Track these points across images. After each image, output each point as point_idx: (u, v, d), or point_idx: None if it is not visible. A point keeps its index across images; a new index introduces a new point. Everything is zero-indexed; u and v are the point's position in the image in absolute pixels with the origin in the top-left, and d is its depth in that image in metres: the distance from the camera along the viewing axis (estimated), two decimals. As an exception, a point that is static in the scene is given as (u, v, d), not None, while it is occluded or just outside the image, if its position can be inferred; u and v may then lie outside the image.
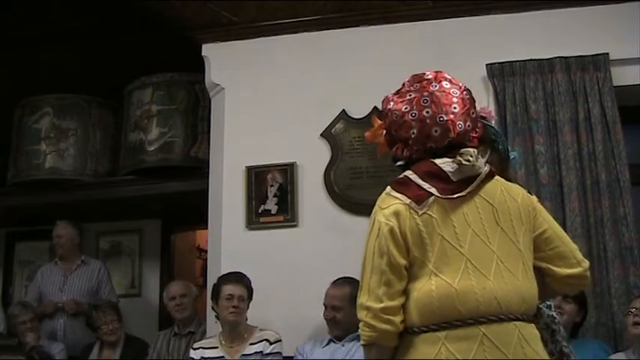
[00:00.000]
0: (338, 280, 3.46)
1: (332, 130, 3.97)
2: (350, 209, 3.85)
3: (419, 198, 1.78)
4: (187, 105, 4.68)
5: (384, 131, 1.93)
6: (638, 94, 3.74)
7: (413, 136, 1.84)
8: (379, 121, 1.96)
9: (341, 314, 3.38)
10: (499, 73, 3.74)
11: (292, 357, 3.52)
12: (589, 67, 3.65)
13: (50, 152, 4.89)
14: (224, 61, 4.19)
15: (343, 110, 3.97)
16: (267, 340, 3.44)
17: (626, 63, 3.66)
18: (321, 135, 3.97)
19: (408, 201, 1.78)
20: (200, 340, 3.74)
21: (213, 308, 3.58)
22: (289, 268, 3.80)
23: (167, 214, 5.51)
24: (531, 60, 3.72)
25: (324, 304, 3.43)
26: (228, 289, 3.47)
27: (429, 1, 3.89)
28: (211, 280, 3.73)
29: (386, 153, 1.97)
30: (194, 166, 4.58)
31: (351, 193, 3.87)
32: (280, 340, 3.49)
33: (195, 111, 4.69)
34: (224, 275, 3.59)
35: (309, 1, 3.90)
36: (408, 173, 1.84)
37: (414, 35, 3.95)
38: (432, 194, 1.78)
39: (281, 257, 3.84)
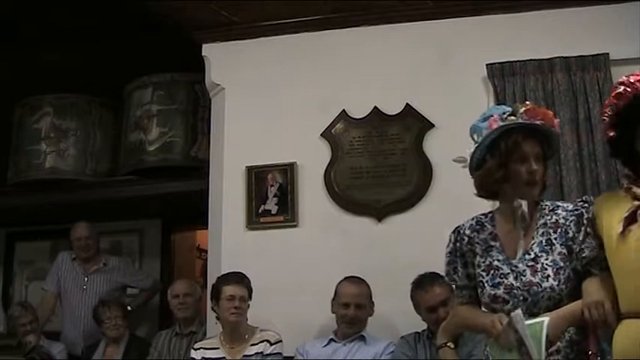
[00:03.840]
0: (351, 278, 3.46)
1: (332, 130, 3.96)
2: (350, 209, 3.85)
3: None
4: (187, 105, 4.68)
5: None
6: (638, 94, 3.73)
7: None
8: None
9: (363, 312, 3.41)
10: (499, 73, 3.73)
11: (292, 357, 3.52)
12: (589, 67, 3.65)
13: (50, 152, 4.89)
14: (224, 61, 4.19)
15: (343, 110, 3.96)
16: (267, 340, 3.44)
17: (626, 63, 3.64)
18: (321, 135, 3.96)
19: None
20: (202, 340, 3.74)
21: (213, 309, 3.58)
22: (289, 268, 3.80)
23: (167, 214, 5.51)
24: (531, 60, 3.71)
25: (345, 303, 3.41)
26: (229, 289, 3.46)
27: (429, 1, 3.88)
28: (211, 280, 3.73)
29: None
30: (194, 166, 4.58)
31: (351, 193, 3.86)
32: (281, 341, 3.48)
33: (196, 111, 4.69)
34: (224, 275, 3.58)
35: (309, 1, 3.90)
36: None
37: (414, 35, 3.94)
38: None
39: (281, 257, 3.84)
